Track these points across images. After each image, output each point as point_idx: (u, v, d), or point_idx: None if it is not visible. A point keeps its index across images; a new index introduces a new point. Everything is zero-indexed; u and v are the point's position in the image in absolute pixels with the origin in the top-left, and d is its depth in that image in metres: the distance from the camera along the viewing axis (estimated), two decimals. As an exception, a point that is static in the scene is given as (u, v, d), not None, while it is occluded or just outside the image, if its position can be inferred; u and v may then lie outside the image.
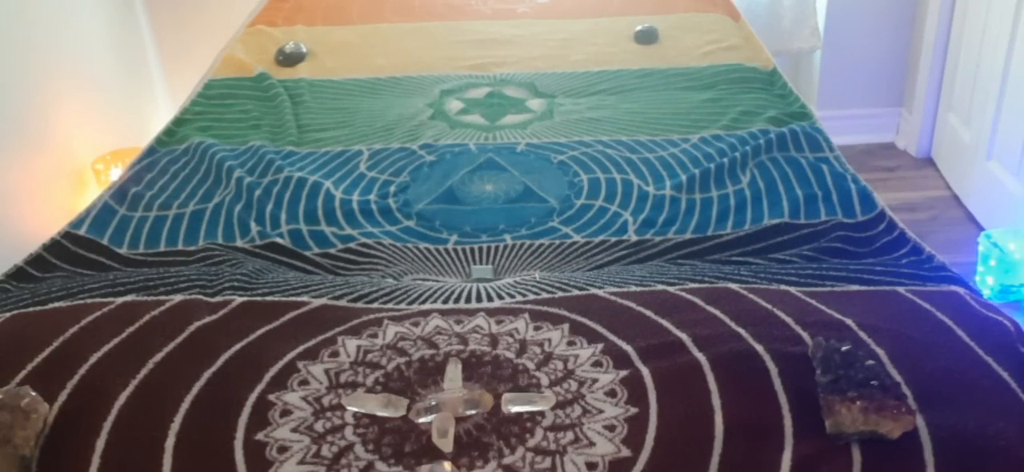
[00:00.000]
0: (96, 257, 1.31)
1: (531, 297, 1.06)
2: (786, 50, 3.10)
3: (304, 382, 0.92)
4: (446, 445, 0.84)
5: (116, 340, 0.96)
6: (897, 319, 0.99)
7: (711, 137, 1.68)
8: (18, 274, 1.25)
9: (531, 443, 0.84)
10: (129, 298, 1.06)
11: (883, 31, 3.06)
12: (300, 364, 0.94)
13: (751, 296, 1.03)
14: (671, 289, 1.06)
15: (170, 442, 0.84)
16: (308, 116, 1.85)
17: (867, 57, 3.10)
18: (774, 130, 1.65)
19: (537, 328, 0.99)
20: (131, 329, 0.98)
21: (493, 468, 0.82)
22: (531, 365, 0.94)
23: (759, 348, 0.92)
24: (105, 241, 1.36)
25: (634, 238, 1.36)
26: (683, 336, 0.96)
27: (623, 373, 0.91)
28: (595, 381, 0.91)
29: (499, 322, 1.01)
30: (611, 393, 0.89)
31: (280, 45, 2.21)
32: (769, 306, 1.01)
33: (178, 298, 1.05)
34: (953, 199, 2.81)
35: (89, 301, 1.05)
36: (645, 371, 0.91)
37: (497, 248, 1.35)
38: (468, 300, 1.07)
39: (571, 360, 0.94)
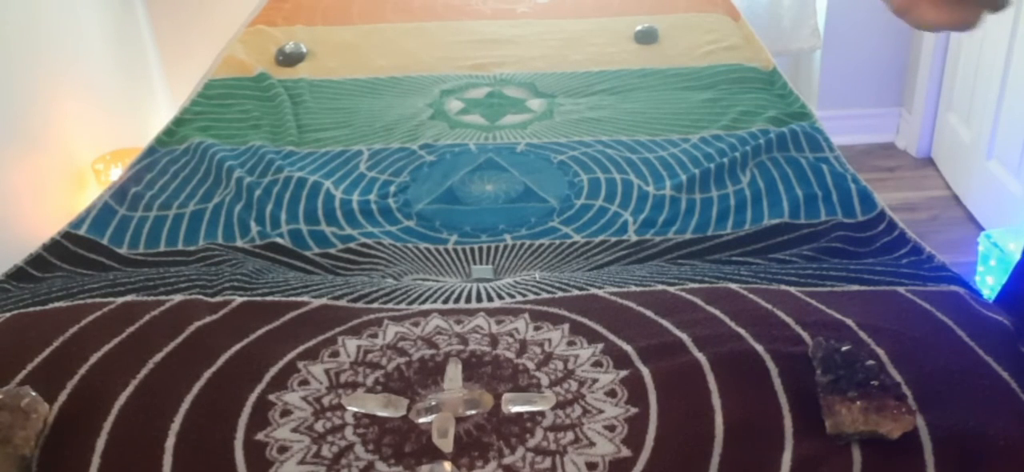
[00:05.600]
0: (96, 257, 1.31)
1: (531, 297, 1.06)
2: (786, 50, 3.10)
3: (304, 382, 0.92)
4: (446, 445, 0.84)
5: (116, 340, 0.96)
6: (897, 319, 0.99)
7: (711, 137, 1.68)
8: (18, 274, 1.25)
9: (531, 443, 0.84)
10: (129, 298, 1.06)
11: (883, 31, 3.06)
12: (300, 364, 0.94)
13: (751, 296, 1.03)
14: (671, 289, 1.06)
15: (170, 442, 0.84)
16: (308, 116, 1.85)
17: (867, 57, 3.11)
18: (774, 130, 1.65)
19: (537, 328, 0.99)
20: (131, 329, 0.98)
21: (493, 468, 0.82)
22: (531, 365, 0.94)
23: (759, 348, 0.92)
24: (105, 241, 1.36)
25: (634, 238, 1.36)
26: (683, 336, 0.96)
27: (623, 373, 0.91)
28: (595, 381, 0.91)
29: (499, 322, 1.01)
30: (611, 393, 0.89)
31: (280, 45, 2.21)
32: (769, 306, 1.01)
33: (178, 298, 1.05)
34: (953, 199, 2.81)
35: (89, 301, 1.05)
36: (645, 371, 0.91)
37: (497, 248, 1.35)
38: (468, 300, 1.07)
39: (571, 360, 0.94)
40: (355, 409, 0.88)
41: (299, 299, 1.06)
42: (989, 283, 2.25)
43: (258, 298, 1.07)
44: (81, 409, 0.88)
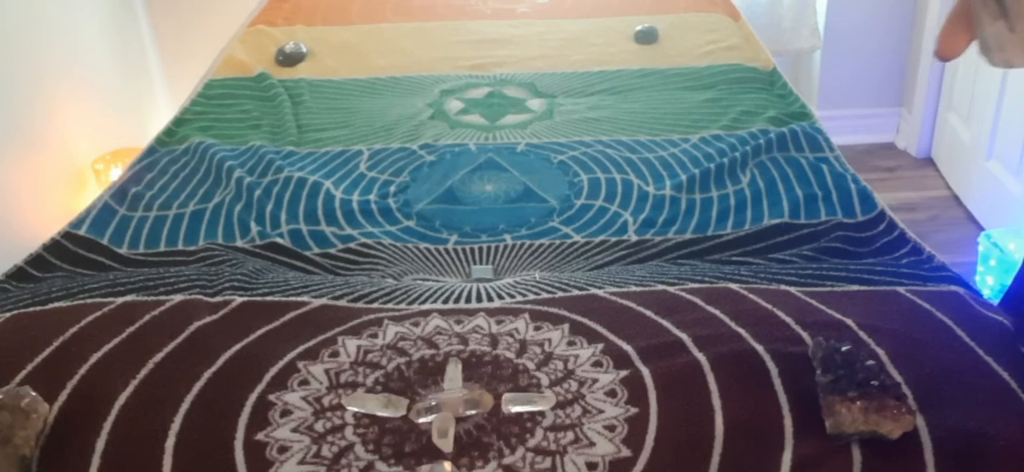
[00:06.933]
0: (96, 257, 1.31)
1: (531, 297, 1.06)
2: (786, 50, 3.10)
3: (304, 382, 0.92)
4: (446, 445, 0.84)
5: (116, 340, 0.96)
6: (897, 319, 0.99)
7: (711, 137, 1.68)
8: (18, 274, 1.25)
9: (531, 443, 0.84)
10: (129, 298, 1.06)
11: (883, 31, 3.06)
12: (300, 364, 0.94)
13: (751, 296, 1.03)
14: (671, 289, 1.06)
15: (170, 442, 0.84)
16: (308, 116, 1.85)
17: (867, 57, 3.11)
18: (774, 130, 1.65)
19: (537, 328, 0.99)
20: (131, 329, 0.98)
21: (493, 468, 0.82)
22: (531, 365, 0.94)
23: (759, 348, 0.92)
24: (105, 241, 1.36)
25: (634, 238, 1.36)
26: (683, 336, 0.96)
27: (623, 373, 0.91)
28: (595, 381, 0.91)
29: (499, 322, 1.01)
30: (611, 393, 0.89)
31: (280, 45, 2.21)
32: (769, 306, 1.01)
33: (178, 298, 1.05)
34: (953, 199, 2.81)
35: (89, 301, 1.05)
36: (645, 371, 0.91)
37: (497, 248, 1.35)
38: (468, 300, 1.07)
39: (571, 360, 0.94)
40: (355, 409, 0.88)
41: (299, 299, 1.06)
42: (989, 283, 2.25)
43: (258, 298, 1.07)
44: (81, 409, 0.88)
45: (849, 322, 0.97)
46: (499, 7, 2.54)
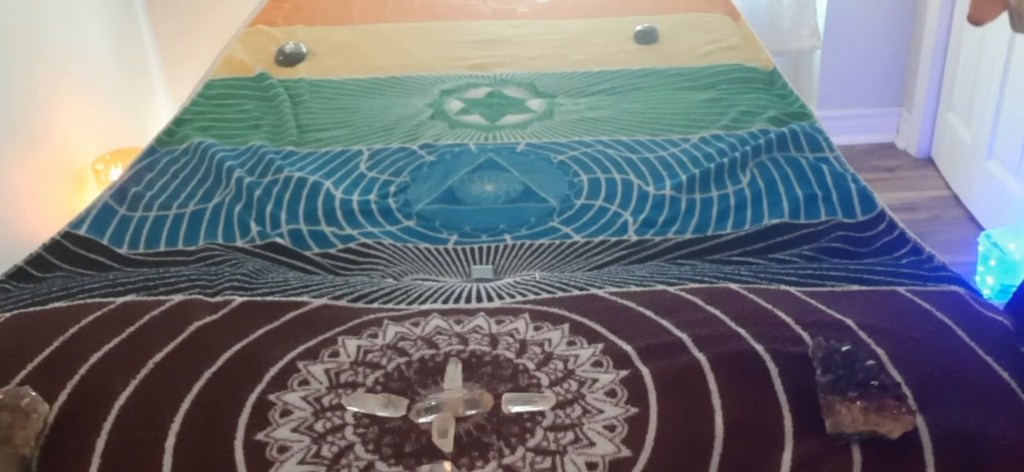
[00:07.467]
0: (96, 257, 1.31)
1: (531, 297, 1.06)
2: (786, 50, 3.10)
3: (304, 382, 0.92)
4: (446, 445, 0.84)
5: (116, 340, 0.96)
6: (897, 319, 0.99)
7: (711, 137, 1.68)
8: (18, 274, 1.25)
9: (531, 443, 0.84)
10: (129, 298, 1.06)
11: (883, 31, 3.06)
12: (300, 364, 0.94)
13: (751, 296, 1.03)
14: (671, 289, 1.06)
15: (170, 442, 0.84)
16: (308, 116, 1.85)
17: (867, 57, 3.11)
18: (774, 130, 1.65)
19: (537, 328, 0.99)
20: (131, 329, 0.98)
21: (493, 468, 0.82)
22: (531, 365, 0.94)
23: (759, 348, 0.92)
24: (105, 241, 1.36)
25: (634, 238, 1.36)
26: (683, 336, 0.96)
27: (623, 373, 0.91)
28: (595, 381, 0.91)
29: (499, 322, 1.01)
30: (611, 393, 0.89)
31: (280, 45, 2.21)
32: (769, 306, 1.01)
33: (178, 298, 1.05)
34: (953, 199, 2.81)
35: (89, 301, 1.05)
36: (645, 371, 0.91)
37: (497, 248, 1.35)
38: (468, 300, 1.07)
39: (571, 360, 0.94)
40: (355, 409, 0.88)
41: (299, 299, 1.06)
42: (989, 283, 2.25)
43: (258, 298, 1.07)
44: (81, 409, 0.88)
45: (849, 322, 0.97)
46: (499, 7, 2.54)
